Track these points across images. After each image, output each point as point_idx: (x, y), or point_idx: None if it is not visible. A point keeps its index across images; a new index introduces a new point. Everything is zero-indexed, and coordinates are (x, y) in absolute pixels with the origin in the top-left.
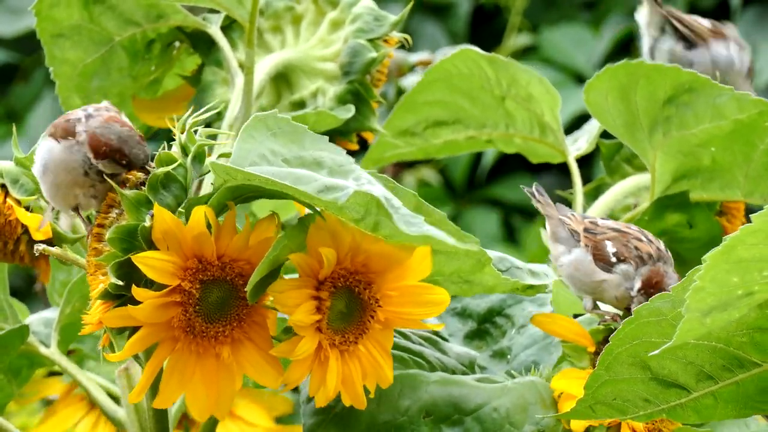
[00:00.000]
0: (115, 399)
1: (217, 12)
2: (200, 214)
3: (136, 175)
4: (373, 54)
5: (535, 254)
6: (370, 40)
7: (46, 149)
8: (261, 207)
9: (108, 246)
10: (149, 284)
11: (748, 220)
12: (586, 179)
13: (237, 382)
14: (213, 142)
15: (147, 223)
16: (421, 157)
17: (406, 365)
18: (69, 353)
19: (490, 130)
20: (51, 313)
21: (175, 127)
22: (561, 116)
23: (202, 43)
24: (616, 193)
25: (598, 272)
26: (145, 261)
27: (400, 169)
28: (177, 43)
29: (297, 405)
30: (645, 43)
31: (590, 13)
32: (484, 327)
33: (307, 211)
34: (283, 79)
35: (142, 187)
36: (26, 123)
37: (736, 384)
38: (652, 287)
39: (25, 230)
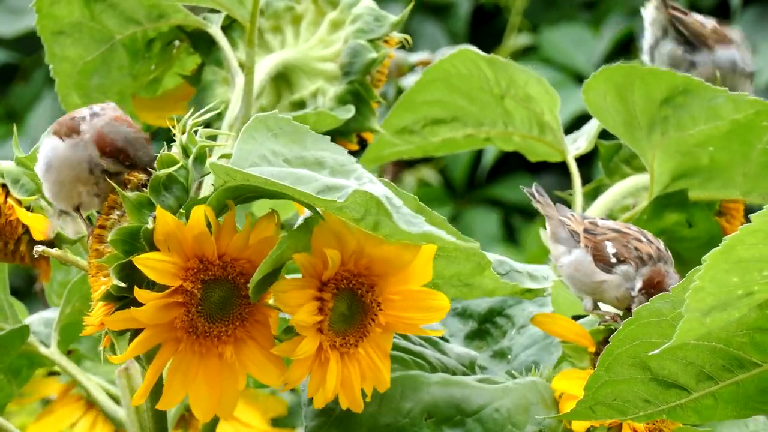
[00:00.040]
0: (114, 399)
1: (218, 12)
2: (200, 213)
3: (138, 177)
4: (374, 54)
5: (535, 254)
6: (371, 41)
7: (49, 147)
8: (260, 207)
9: (110, 247)
10: (151, 285)
11: (748, 220)
12: (585, 179)
13: (240, 382)
14: (214, 143)
15: (149, 225)
16: (419, 155)
17: (406, 366)
18: (67, 354)
19: (489, 128)
20: (51, 313)
21: (175, 128)
22: (561, 116)
23: (203, 43)
24: (615, 193)
25: (598, 273)
26: (147, 262)
27: (400, 169)
28: (177, 43)
29: (292, 407)
30: (646, 42)
31: (590, 13)
32: (485, 327)
33: (306, 211)
34: (283, 79)
35: (144, 189)
36: (26, 123)
37: (736, 384)
38: (653, 287)
39: (26, 230)
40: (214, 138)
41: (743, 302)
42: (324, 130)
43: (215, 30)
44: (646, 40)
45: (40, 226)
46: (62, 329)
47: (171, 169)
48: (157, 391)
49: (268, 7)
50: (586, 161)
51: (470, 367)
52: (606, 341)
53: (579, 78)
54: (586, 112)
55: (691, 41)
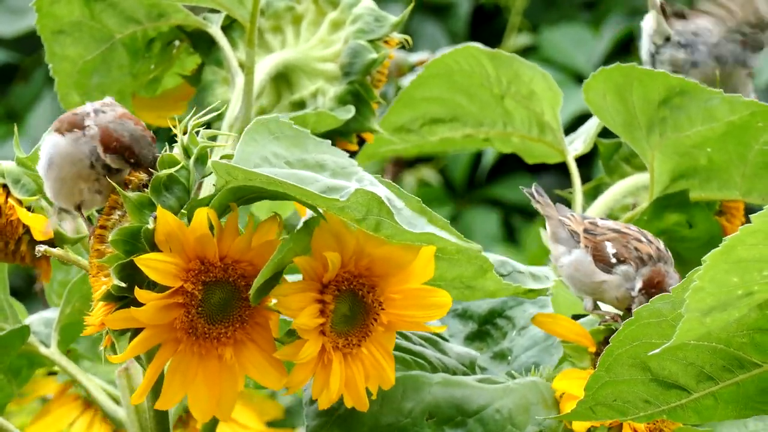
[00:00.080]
0: (113, 399)
1: (218, 12)
2: (203, 215)
3: (139, 177)
4: (374, 55)
5: (536, 254)
6: (371, 41)
7: (51, 144)
8: (260, 207)
9: (110, 247)
10: (152, 286)
11: (748, 220)
12: (585, 179)
13: (239, 384)
14: (215, 144)
15: (150, 226)
16: (415, 153)
17: (407, 366)
18: (66, 353)
19: (488, 128)
20: (51, 313)
21: (175, 128)
22: (561, 116)
23: (203, 43)
24: (615, 192)
25: (598, 273)
26: (148, 263)
27: (400, 169)
28: (177, 42)
29: (291, 407)
30: (645, 49)
31: (590, 13)
32: (485, 328)
33: (307, 211)
34: (283, 79)
35: (145, 189)
36: (26, 123)
37: (736, 385)
38: (653, 287)
39: (27, 230)
40: (214, 138)
41: (743, 302)
42: (324, 131)
43: (215, 30)
44: (645, 48)
45: (41, 226)
46: (62, 329)
47: (172, 170)
48: (157, 391)
49: (268, 7)
50: (586, 161)
51: (470, 367)
52: (606, 341)
53: (579, 78)
54: (585, 113)
55: (690, 44)
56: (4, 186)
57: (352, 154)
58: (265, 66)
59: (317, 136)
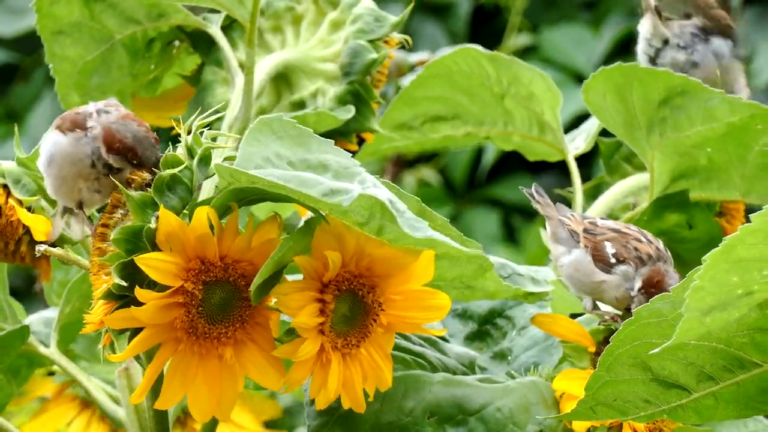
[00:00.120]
0: (111, 399)
1: (218, 12)
2: (203, 215)
3: (142, 176)
4: (374, 55)
5: (536, 254)
6: (371, 41)
7: (52, 142)
8: (260, 208)
9: (112, 246)
10: (152, 285)
11: (748, 221)
12: (585, 178)
13: (239, 384)
14: (219, 145)
15: (152, 225)
16: (417, 150)
17: (408, 366)
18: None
19: (489, 127)
20: (51, 313)
21: (176, 127)
22: (561, 116)
23: (203, 43)
24: (615, 192)
25: (597, 273)
26: (148, 262)
27: (400, 168)
28: (177, 43)
29: (291, 407)
30: (642, 53)
31: (590, 13)
32: (485, 328)
33: (308, 212)
34: (283, 80)
35: (148, 189)
36: (26, 123)
37: (736, 384)
38: (652, 287)
39: (27, 231)
40: (216, 139)
41: (743, 302)
42: (324, 131)
43: (215, 30)
44: (642, 52)
45: (41, 226)
46: (62, 329)
47: (175, 170)
48: (157, 390)
49: (268, 7)
50: (586, 160)
51: (470, 367)
52: (606, 341)
53: (579, 78)
54: (585, 112)
55: (688, 45)
56: (5, 186)
57: (353, 153)
58: (265, 66)
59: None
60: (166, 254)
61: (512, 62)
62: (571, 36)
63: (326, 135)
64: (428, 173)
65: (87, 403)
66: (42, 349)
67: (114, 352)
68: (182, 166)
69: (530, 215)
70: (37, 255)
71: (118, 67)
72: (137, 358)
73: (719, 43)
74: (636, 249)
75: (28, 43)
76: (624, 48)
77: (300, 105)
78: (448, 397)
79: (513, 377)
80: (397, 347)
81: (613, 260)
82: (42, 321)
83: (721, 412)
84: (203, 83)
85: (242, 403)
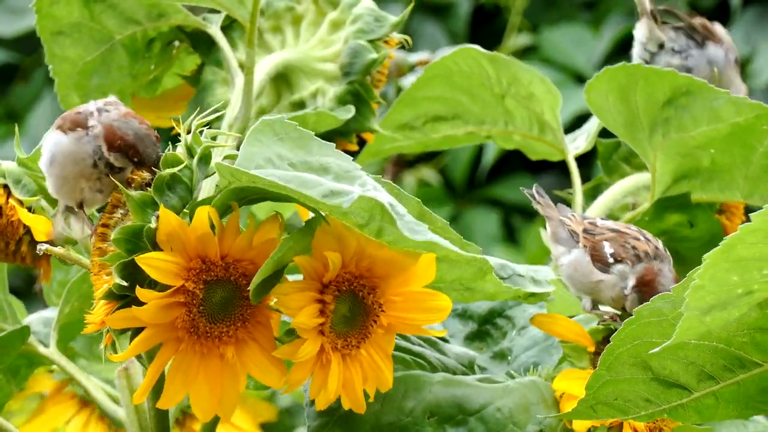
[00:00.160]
0: (111, 398)
1: (218, 12)
2: (204, 214)
3: (142, 176)
4: (374, 55)
5: (536, 254)
6: (371, 41)
7: (53, 141)
8: (260, 208)
9: (112, 246)
10: (153, 285)
11: (748, 219)
12: (586, 179)
13: (241, 383)
14: (219, 144)
15: (152, 225)
16: (419, 150)
17: (408, 366)
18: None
19: (489, 126)
20: (50, 313)
21: (176, 127)
22: (561, 116)
23: (202, 43)
24: (615, 192)
25: (595, 273)
26: (149, 262)
27: (400, 168)
28: (177, 43)
29: (291, 407)
30: (637, 57)
31: (590, 13)
32: (485, 328)
33: (309, 213)
34: (283, 80)
35: (148, 188)
36: (26, 123)
37: (737, 384)
38: (645, 285)
39: (27, 231)
40: (217, 139)
41: (743, 301)
42: (324, 131)
43: (215, 30)
44: (639, 55)
45: (42, 226)
46: (61, 328)
47: (175, 169)
48: (158, 390)
49: (268, 7)
50: (586, 161)
51: (469, 367)
52: (605, 341)
53: (579, 78)
54: (586, 112)
55: (692, 36)
56: (5, 186)
57: (354, 153)
58: (264, 66)
59: (317, 137)
60: (167, 254)
61: (511, 63)
62: (571, 36)
63: (326, 135)
64: (428, 173)
65: (86, 401)
66: (41, 349)
67: (115, 351)
68: (182, 166)
69: (530, 215)
70: (38, 254)
71: (118, 68)
72: (138, 357)
73: (714, 49)
74: (634, 247)
75: (28, 43)
76: (624, 48)
77: (300, 105)
78: (447, 397)
79: (513, 377)
80: (396, 347)
81: (611, 260)
82: (41, 321)
83: (721, 412)
84: (203, 83)
85: (239, 404)
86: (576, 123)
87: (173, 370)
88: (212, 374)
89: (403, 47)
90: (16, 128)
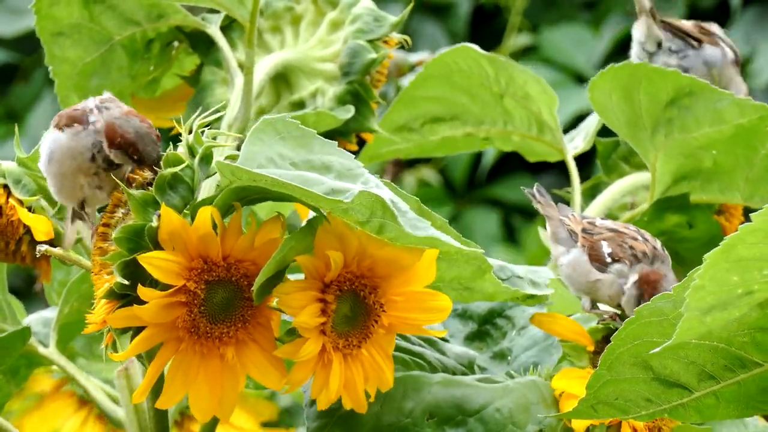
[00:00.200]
0: (110, 398)
1: (217, 12)
2: (206, 214)
3: (143, 175)
4: (373, 55)
5: (535, 254)
6: (370, 41)
7: (51, 140)
8: (261, 207)
9: (113, 245)
10: (154, 284)
11: (747, 219)
12: (586, 179)
13: (241, 384)
14: (221, 143)
15: (154, 224)
16: (417, 153)
17: (407, 367)
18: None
19: (488, 126)
20: (50, 313)
21: (176, 127)
22: (561, 116)
23: (202, 43)
24: (613, 191)
25: (593, 272)
26: (151, 261)
27: (400, 168)
28: (176, 43)
29: (291, 407)
30: (635, 57)
31: (590, 13)
32: (485, 328)
33: (309, 212)
34: (282, 80)
35: (149, 187)
36: (26, 123)
37: (737, 384)
38: (645, 285)
39: (27, 231)
40: (217, 139)
41: (743, 301)
42: (323, 131)
43: (214, 30)
44: (637, 56)
45: (42, 226)
46: (61, 328)
47: (177, 169)
48: (157, 390)
49: (267, 8)
50: (586, 161)
51: (469, 367)
52: (605, 340)
53: (579, 78)
54: (585, 112)
55: (687, 40)
56: (5, 186)
57: (354, 154)
58: (264, 66)
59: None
60: (168, 253)
61: (508, 64)
62: (571, 36)
63: (325, 135)
64: (428, 173)
65: (84, 400)
66: (41, 349)
67: (116, 351)
68: (183, 165)
69: (530, 215)
70: (38, 255)
71: (118, 69)
72: (138, 357)
73: (711, 50)
74: (631, 247)
75: (28, 43)
76: (624, 48)
77: (299, 105)
78: (447, 398)
79: (512, 377)
80: (396, 347)
81: (608, 260)
82: (41, 321)
83: (722, 412)
84: (202, 83)
85: (239, 404)
86: (576, 123)
87: (173, 370)
88: (212, 375)
89: (402, 47)
90: (16, 128)
